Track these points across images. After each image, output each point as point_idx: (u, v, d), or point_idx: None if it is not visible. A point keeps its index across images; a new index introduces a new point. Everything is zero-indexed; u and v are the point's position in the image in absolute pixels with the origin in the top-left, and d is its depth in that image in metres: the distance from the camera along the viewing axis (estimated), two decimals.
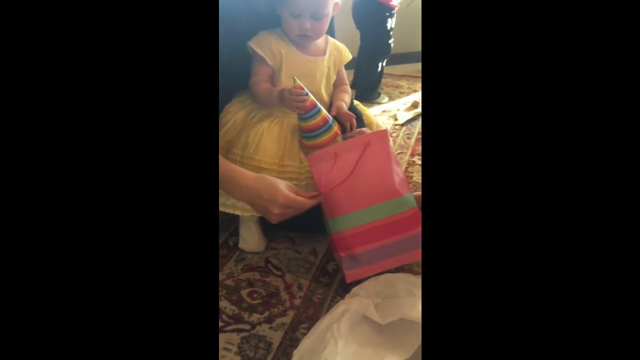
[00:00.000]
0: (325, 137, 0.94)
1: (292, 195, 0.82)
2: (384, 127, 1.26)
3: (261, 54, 0.95)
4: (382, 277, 0.84)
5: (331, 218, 0.89)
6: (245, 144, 0.95)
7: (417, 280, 0.81)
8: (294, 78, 0.90)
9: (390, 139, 1.50)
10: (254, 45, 0.96)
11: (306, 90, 0.90)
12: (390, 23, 2.13)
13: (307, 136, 0.95)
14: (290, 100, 0.90)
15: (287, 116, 1.00)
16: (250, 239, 1.05)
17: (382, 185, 0.89)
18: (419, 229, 0.89)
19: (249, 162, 0.94)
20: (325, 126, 0.94)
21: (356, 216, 0.88)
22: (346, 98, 1.05)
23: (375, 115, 1.94)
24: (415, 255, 0.90)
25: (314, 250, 1.07)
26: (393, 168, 0.90)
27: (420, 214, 0.91)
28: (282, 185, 0.83)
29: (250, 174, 0.86)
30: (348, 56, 1.06)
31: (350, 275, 0.88)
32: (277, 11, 0.95)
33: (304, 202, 0.83)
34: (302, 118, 0.93)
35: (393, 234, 0.88)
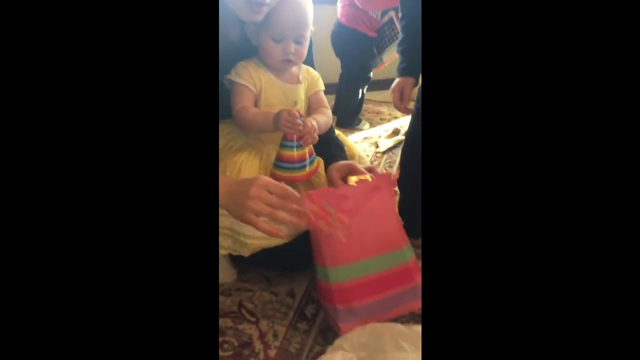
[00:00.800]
0: (301, 173, 0.87)
1: (273, 180, 0.76)
2: (365, 157, 1.21)
3: (244, 82, 0.91)
4: (368, 326, 0.77)
5: (332, 267, 0.80)
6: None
7: (406, 331, 0.74)
8: (295, 102, 0.85)
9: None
10: (233, 77, 0.91)
11: (302, 117, 0.84)
12: (373, 51, 2.11)
13: (282, 166, 0.87)
14: (287, 122, 0.82)
15: (266, 146, 0.94)
16: (219, 269, 0.96)
17: (387, 235, 0.82)
18: (415, 282, 0.83)
19: None
20: (306, 161, 0.87)
21: (359, 267, 0.80)
22: (319, 117, 0.97)
23: (356, 142, 1.90)
24: (409, 307, 0.84)
25: (291, 291, 0.99)
26: (398, 217, 0.84)
27: (417, 265, 0.85)
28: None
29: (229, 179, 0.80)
30: (321, 86, 1.01)
31: (345, 329, 0.79)
32: (252, 41, 0.91)
33: (287, 189, 0.75)
34: (286, 145, 0.85)
35: (392, 286, 0.82)
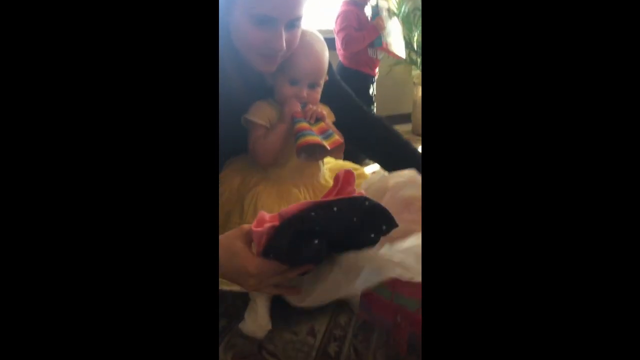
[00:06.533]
0: (314, 138, 0.87)
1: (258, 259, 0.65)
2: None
3: (260, 121, 0.94)
4: None
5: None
6: (241, 211, 0.90)
7: None
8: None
9: None
10: (250, 116, 0.94)
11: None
12: (372, 90, 2.19)
13: (301, 134, 0.86)
14: (291, 107, 0.88)
15: (285, 182, 0.95)
16: (249, 319, 0.90)
17: None
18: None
19: None
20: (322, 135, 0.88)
21: None
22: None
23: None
24: None
25: (312, 329, 0.95)
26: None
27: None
28: (240, 245, 0.66)
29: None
30: (332, 117, 1.03)
31: None
32: (268, 82, 0.95)
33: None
34: (298, 120, 0.88)
35: None
